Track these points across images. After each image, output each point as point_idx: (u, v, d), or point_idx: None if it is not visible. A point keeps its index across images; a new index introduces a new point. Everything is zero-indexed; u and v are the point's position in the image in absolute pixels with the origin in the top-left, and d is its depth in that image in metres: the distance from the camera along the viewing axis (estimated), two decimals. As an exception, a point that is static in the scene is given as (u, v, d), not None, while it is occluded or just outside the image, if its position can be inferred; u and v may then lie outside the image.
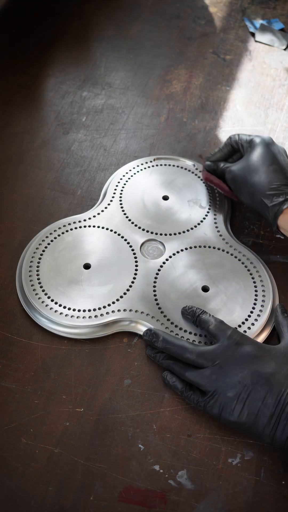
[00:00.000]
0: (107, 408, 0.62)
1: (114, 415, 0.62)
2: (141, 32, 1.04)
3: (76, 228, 0.75)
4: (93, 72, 0.97)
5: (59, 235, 0.74)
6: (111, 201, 0.78)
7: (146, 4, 1.10)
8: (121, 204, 0.78)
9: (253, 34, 1.04)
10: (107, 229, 0.75)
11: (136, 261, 0.72)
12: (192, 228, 0.76)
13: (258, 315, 0.67)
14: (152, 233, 0.75)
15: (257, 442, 0.60)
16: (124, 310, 0.68)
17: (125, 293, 0.69)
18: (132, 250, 0.73)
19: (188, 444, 0.60)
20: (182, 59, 1.00)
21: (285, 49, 1.02)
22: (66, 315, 0.67)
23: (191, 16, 1.07)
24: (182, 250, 0.73)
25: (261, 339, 0.67)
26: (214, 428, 0.61)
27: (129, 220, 0.76)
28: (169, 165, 0.83)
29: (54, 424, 0.61)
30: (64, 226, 0.75)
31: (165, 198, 0.79)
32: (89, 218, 0.76)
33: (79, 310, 0.67)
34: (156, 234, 0.75)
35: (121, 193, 0.79)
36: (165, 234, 0.75)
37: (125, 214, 0.77)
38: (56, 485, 0.57)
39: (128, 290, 0.69)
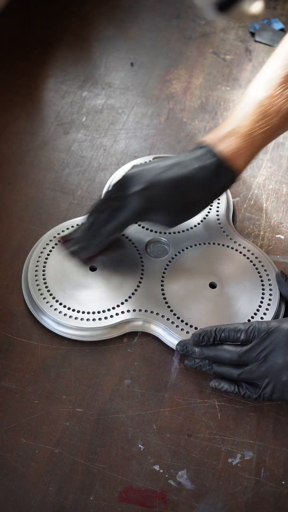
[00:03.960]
0: (107, 408, 0.62)
1: (114, 415, 0.62)
2: (141, 32, 1.04)
3: None
4: (93, 72, 0.97)
5: None
6: None
7: (146, 4, 1.10)
8: None
9: (253, 34, 1.04)
10: None
11: (142, 261, 0.72)
12: (195, 226, 0.76)
13: (267, 309, 0.68)
14: (156, 232, 0.75)
15: (257, 442, 0.60)
16: (134, 310, 0.67)
17: (133, 293, 0.69)
18: (137, 250, 0.73)
19: (188, 444, 0.60)
20: (182, 59, 1.00)
21: (285, 49, 1.02)
22: (75, 318, 0.66)
23: (191, 16, 1.07)
24: (187, 248, 0.73)
25: None
26: (214, 428, 0.61)
27: None
28: None
29: (54, 424, 0.61)
30: (67, 229, 0.74)
31: None
32: None
33: (88, 313, 0.67)
34: (160, 233, 0.75)
35: None
36: (169, 233, 0.75)
37: None
38: (56, 485, 0.57)
39: (136, 290, 0.69)
